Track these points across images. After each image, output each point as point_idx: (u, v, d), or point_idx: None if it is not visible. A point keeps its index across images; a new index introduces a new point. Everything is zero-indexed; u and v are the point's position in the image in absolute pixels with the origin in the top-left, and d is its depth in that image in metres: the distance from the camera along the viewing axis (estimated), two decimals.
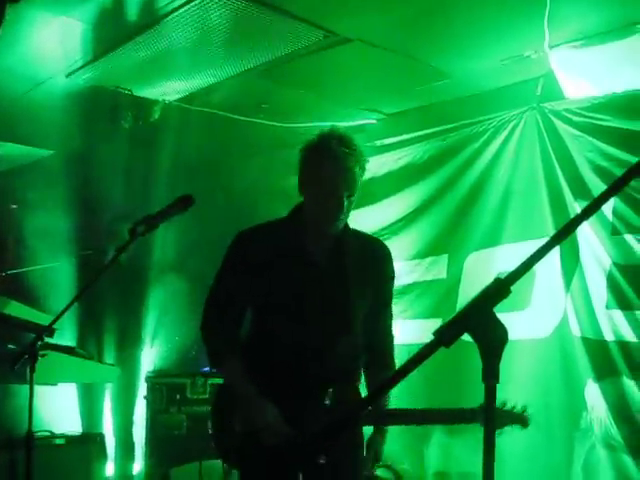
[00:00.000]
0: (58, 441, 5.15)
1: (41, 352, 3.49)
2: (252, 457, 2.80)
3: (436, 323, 5.43)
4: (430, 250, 5.56)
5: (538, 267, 5.03)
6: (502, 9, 4.16)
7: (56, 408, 5.65)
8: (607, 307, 4.44)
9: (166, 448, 5.91)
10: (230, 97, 5.54)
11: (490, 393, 1.43)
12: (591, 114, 4.66)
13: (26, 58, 4.78)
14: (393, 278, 3.05)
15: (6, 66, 4.83)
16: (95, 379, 6.05)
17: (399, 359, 5.39)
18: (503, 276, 1.48)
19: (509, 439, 4.67)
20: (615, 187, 1.45)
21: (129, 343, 6.72)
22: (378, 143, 6.06)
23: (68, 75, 5.08)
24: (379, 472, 4.65)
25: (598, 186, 4.54)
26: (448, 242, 5.46)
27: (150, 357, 6.75)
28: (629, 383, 4.26)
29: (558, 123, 4.87)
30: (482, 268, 5.20)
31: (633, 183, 4.25)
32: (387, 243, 5.61)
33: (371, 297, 2.93)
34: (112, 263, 3.36)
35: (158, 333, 6.79)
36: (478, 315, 1.42)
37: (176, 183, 5.55)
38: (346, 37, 4.55)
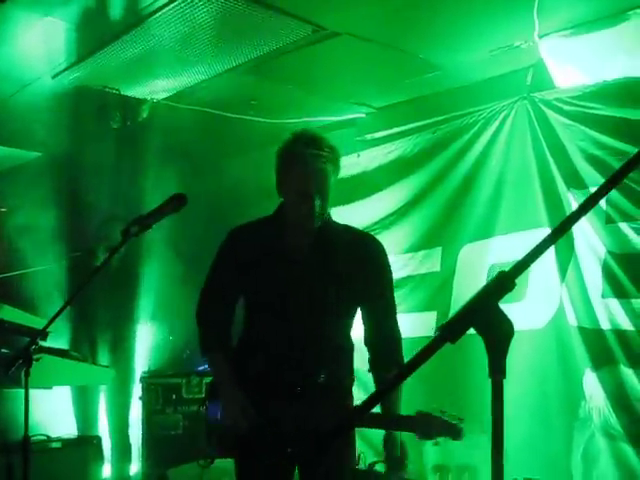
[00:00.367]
0: (54, 445, 5.14)
1: (35, 356, 3.46)
2: (232, 446, 2.97)
3: (431, 316, 5.43)
4: (423, 243, 5.54)
5: None
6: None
7: (51, 411, 5.61)
8: (603, 296, 4.43)
9: (163, 449, 5.90)
10: (219, 94, 5.51)
11: (497, 388, 1.41)
12: (582, 103, 4.63)
13: (12, 59, 4.74)
14: (385, 272, 2.98)
15: None
16: (90, 381, 6.02)
17: None
18: (506, 269, 1.45)
19: (508, 430, 4.71)
20: (615, 179, 1.44)
21: (122, 344, 6.67)
22: (368, 137, 6.05)
23: (54, 76, 5.04)
24: (379, 467, 4.63)
25: (591, 175, 4.53)
26: (441, 235, 5.43)
27: (144, 358, 6.71)
28: (627, 371, 4.25)
29: (549, 112, 4.85)
30: (476, 260, 5.18)
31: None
32: (379, 237, 5.59)
33: (360, 292, 2.90)
34: (105, 264, 3.33)
35: (151, 333, 6.75)
36: (483, 309, 1.40)
37: (166, 182, 5.51)
38: (334, 31, 4.53)
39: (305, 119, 5.71)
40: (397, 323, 2.99)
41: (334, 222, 2.99)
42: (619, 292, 4.35)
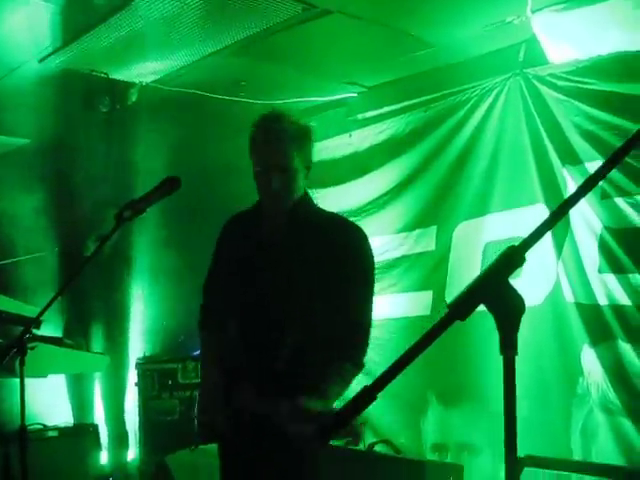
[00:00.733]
0: (51, 433, 5.11)
1: (29, 344, 3.42)
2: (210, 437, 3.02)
3: (426, 296, 5.41)
4: (418, 222, 5.51)
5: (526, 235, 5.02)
6: None
7: (47, 400, 5.58)
8: (600, 271, 4.41)
9: (160, 434, 5.88)
10: (208, 76, 5.44)
11: (509, 364, 1.38)
12: (576, 78, 4.60)
13: None
14: (354, 262, 2.74)
15: None
16: (84, 369, 5.98)
17: (389, 333, 5.42)
18: (515, 244, 1.42)
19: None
20: (615, 158, 1.42)
21: (116, 331, 6.63)
22: (360, 117, 6.01)
23: (41, 60, 4.96)
24: (378, 448, 4.62)
25: (586, 150, 4.51)
26: (436, 213, 5.41)
27: (138, 344, 6.67)
28: (625, 346, 4.25)
29: (543, 88, 4.81)
30: (471, 238, 5.17)
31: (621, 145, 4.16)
32: (373, 218, 5.64)
33: (324, 278, 2.71)
34: (98, 251, 3.28)
35: (145, 319, 6.71)
36: (493, 285, 1.37)
37: (157, 166, 5.45)
38: (325, 9, 4.46)
39: (296, 99, 5.66)
40: (355, 320, 2.72)
41: (313, 206, 2.91)
42: (616, 267, 4.33)
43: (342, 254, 2.72)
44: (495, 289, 1.37)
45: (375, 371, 5.12)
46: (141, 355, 6.44)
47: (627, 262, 4.28)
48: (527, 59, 4.93)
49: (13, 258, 6.39)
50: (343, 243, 2.75)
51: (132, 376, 6.26)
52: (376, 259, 2.85)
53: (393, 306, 5.41)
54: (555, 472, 3.90)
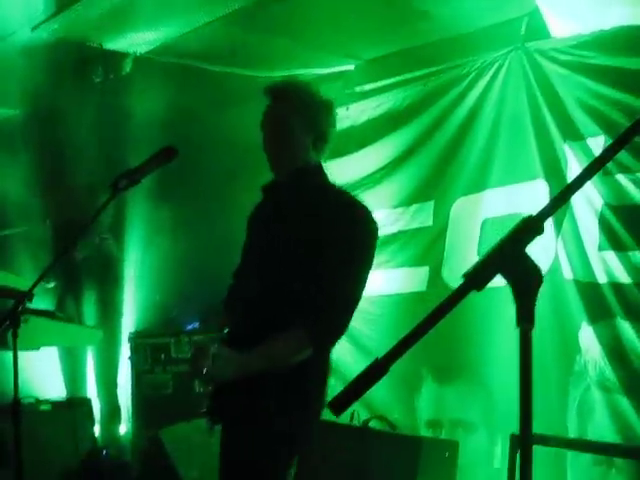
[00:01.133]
0: (44, 407, 5.06)
1: (22, 317, 3.38)
2: None
3: (423, 271, 5.37)
4: (415, 197, 5.45)
5: (526, 211, 4.98)
6: None
7: (39, 374, 5.53)
8: (599, 249, 4.37)
9: (152, 409, 5.84)
10: (203, 47, 5.35)
11: (525, 338, 1.34)
12: (579, 52, 4.54)
13: None
14: (340, 234, 2.60)
15: None
16: (77, 342, 5.93)
17: (383, 308, 5.39)
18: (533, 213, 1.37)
19: (503, 385, 4.68)
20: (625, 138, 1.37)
21: (108, 305, 6.57)
22: (357, 90, 5.92)
23: (34, 28, 4.87)
24: (372, 424, 4.60)
25: (587, 125, 4.46)
26: (434, 188, 5.35)
27: (131, 318, 6.63)
28: (624, 325, 4.21)
29: (544, 63, 4.75)
30: (469, 214, 5.12)
31: (624, 121, 4.10)
32: (369, 192, 5.57)
33: (302, 248, 2.62)
34: (92, 222, 3.23)
35: (138, 293, 6.66)
36: (510, 255, 1.32)
37: (151, 138, 5.36)
38: None
39: (293, 72, 5.57)
40: (329, 294, 2.58)
41: (321, 179, 2.79)
42: (616, 245, 4.29)
43: (327, 227, 2.60)
44: (512, 259, 1.32)
45: (370, 346, 5.12)
46: (133, 329, 6.39)
47: (628, 239, 4.24)
48: (529, 32, 4.87)
49: (3, 231, 6.33)
50: (330, 217, 2.63)
51: (125, 350, 6.22)
52: None
53: (389, 282, 5.36)
54: (551, 449, 3.89)
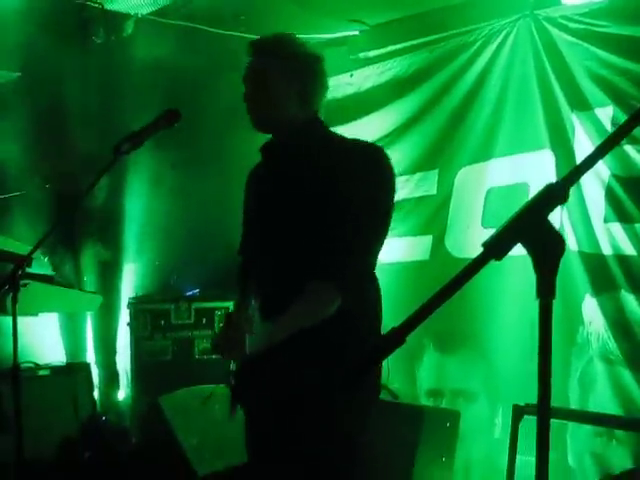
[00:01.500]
0: (43, 372, 5.05)
1: (22, 281, 3.35)
2: None
3: (426, 240, 5.34)
4: (419, 166, 5.40)
5: (532, 181, 4.93)
6: None
7: (38, 339, 5.51)
8: (605, 220, 4.33)
9: (152, 375, 5.82)
10: (206, 9, 5.26)
11: (546, 311, 1.29)
12: (589, 20, 4.46)
13: None
14: (349, 178, 2.41)
15: None
16: (77, 308, 5.90)
17: (388, 279, 5.34)
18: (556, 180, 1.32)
19: (505, 356, 4.67)
20: None
21: (108, 270, 6.53)
22: (362, 56, 5.84)
23: None
24: None
25: (596, 95, 4.39)
26: (438, 157, 5.30)
27: (130, 283, 6.58)
28: (628, 297, 4.19)
29: (553, 31, 4.67)
30: (474, 183, 5.07)
31: (633, 92, 4.04)
32: None
33: (301, 202, 2.48)
34: (93, 186, 3.17)
35: (137, 258, 6.61)
36: (532, 223, 1.27)
37: (152, 101, 5.28)
38: None
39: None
40: (335, 241, 2.39)
41: (321, 132, 2.59)
42: (622, 216, 4.25)
43: (333, 175, 2.41)
44: (534, 227, 1.28)
45: None
46: (133, 295, 6.35)
47: (634, 211, 4.20)
48: (538, 0, 4.77)
49: (2, 195, 6.26)
50: (335, 164, 2.44)
51: (124, 316, 6.18)
52: None
53: (392, 250, 5.32)
54: (552, 420, 3.88)
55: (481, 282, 4.55)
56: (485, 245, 1.28)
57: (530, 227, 1.27)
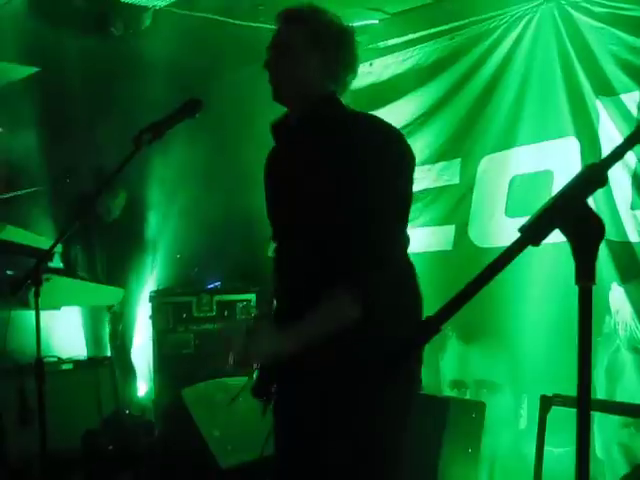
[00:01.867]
0: (66, 366, 5.05)
1: (44, 276, 3.35)
2: None
3: (449, 230, 5.29)
4: (441, 155, 5.34)
5: (556, 169, 4.84)
6: None
7: (60, 333, 5.52)
8: (632, 208, 4.26)
9: (174, 368, 5.83)
10: (225, 0, 5.21)
11: (586, 296, 1.25)
12: (613, 3, 4.39)
13: None
14: (361, 165, 2.21)
15: None
16: (99, 301, 5.89)
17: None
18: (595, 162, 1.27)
19: (531, 346, 4.62)
20: None
21: (129, 263, 6.52)
22: (381, 45, 5.77)
23: None
24: None
25: (622, 81, 4.32)
26: (460, 146, 5.24)
27: (152, 276, 6.58)
28: None
29: (577, 15, 4.60)
30: (497, 171, 5.02)
31: None
32: None
33: (315, 187, 2.28)
34: (113, 178, 3.15)
35: (158, 251, 6.60)
36: (571, 207, 1.23)
37: (170, 93, 5.27)
38: None
39: None
40: (353, 236, 2.19)
41: (337, 109, 2.39)
42: None
43: (346, 161, 2.21)
44: (572, 212, 1.23)
45: None
46: (154, 288, 6.35)
47: None
48: None
49: (24, 189, 6.28)
50: (346, 148, 2.22)
51: (146, 309, 6.18)
52: None
53: (415, 240, 5.26)
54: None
55: (505, 272, 4.49)
56: (522, 230, 1.24)
57: (568, 212, 1.23)
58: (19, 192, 6.21)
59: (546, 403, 3.43)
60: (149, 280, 6.48)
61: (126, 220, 6.33)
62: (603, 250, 4.37)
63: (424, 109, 5.46)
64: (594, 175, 1.24)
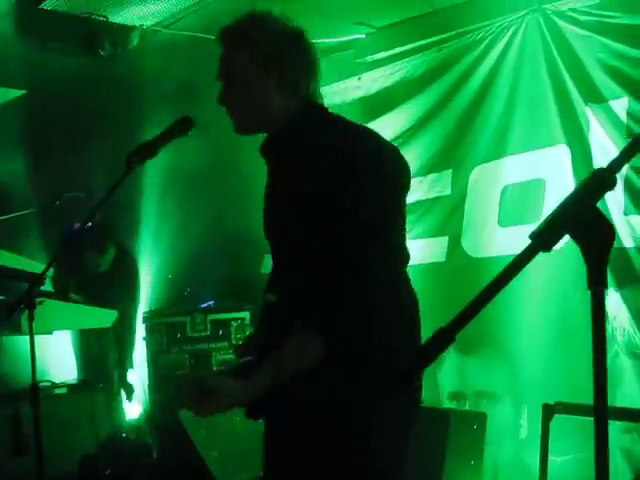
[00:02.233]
0: (60, 390, 5.00)
1: (37, 300, 3.31)
2: None
3: (442, 242, 5.29)
4: (432, 166, 5.36)
5: (548, 177, 4.86)
6: None
7: (53, 357, 5.46)
8: (625, 213, 4.27)
9: (170, 389, 5.77)
10: (211, 18, 5.20)
11: (598, 301, 1.23)
12: (599, 12, 4.43)
13: None
14: (338, 188, 1.95)
15: None
16: (92, 324, 5.84)
17: None
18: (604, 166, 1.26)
19: (530, 354, 4.60)
20: None
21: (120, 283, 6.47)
22: (369, 59, 5.79)
23: (38, 3, 4.73)
24: None
25: (610, 88, 4.35)
26: (451, 157, 5.27)
27: (144, 297, 6.54)
28: None
29: (563, 24, 4.63)
30: (488, 181, 5.04)
31: None
32: None
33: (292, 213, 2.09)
34: (104, 201, 3.11)
35: (150, 271, 6.57)
36: (581, 212, 1.21)
37: (161, 111, 5.25)
38: None
39: None
40: (318, 267, 1.98)
41: (316, 123, 2.15)
42: None
43: (325, 175, 1.97)
44: (583, 216, 1.22)
45: None
46: (147, 309, 6.30)
47: None
48: None
49: (14, 213, 6.23)
50: (327, 163, 1.98)
51: (139, 330, 6.13)
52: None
53: None
54: (582, 418, 3.81)
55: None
56: (533, 237, 1.22)
57: (579, 216, 1.22)
58: (9, 216, 6.16)
59: (548, 411, 3.40)
60: (143, 301, 6.44)
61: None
62: None
63: (414, 121, 5.48)
64: (603, 179, 1.23)
